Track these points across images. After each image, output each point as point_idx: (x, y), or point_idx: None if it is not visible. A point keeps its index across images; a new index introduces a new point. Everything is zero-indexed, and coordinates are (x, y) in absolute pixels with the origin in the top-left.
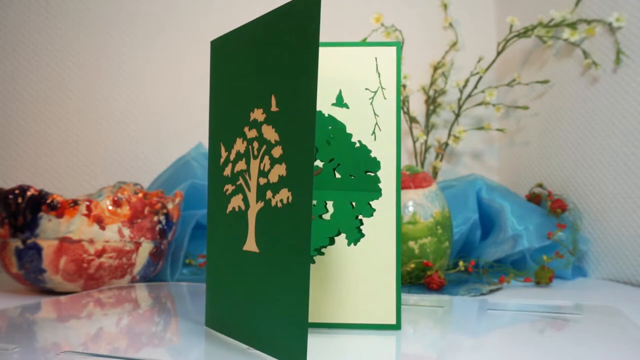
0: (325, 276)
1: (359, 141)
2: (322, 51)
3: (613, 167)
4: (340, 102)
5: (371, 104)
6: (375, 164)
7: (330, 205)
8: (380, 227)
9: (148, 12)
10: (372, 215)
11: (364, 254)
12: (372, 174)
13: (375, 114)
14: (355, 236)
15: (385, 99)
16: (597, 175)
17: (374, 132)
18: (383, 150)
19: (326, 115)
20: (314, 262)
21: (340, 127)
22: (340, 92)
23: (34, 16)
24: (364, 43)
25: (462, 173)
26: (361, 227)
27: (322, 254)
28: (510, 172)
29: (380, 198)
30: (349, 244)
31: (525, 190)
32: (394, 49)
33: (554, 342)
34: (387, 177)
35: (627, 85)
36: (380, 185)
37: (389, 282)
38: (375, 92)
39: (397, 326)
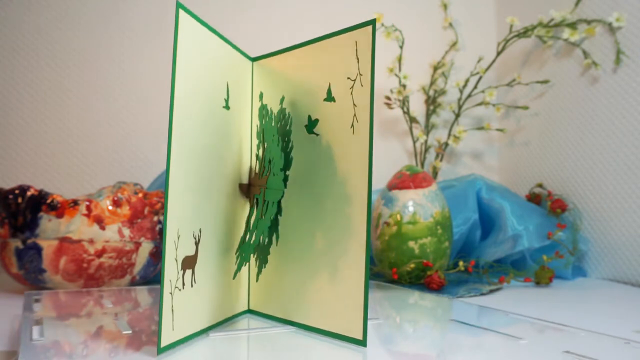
0: (299, 275)
1: (279, 138)
2: (308, 50)
3: (613, 167)
4: (329, 96)
5: (351, 93)
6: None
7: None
8: (351, 232)
9: (148, 12)
10: (275, 213)
11: (335, 258)
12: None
13: (354, 104)
14: (265, 236)
15: (362, 86)
16: (597, 175)
17: (352, 125)
18: (359, 145)
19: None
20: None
21: (267, 127)
22: (329, 86)
23: (34, 16)
24: (343, 30)
25: (462, 173)
26: (273, 227)
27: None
28: (510, 172)
29: (352, 201)
30: (255, 243)
31: (525, 190)
32: (369, 28)
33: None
34: (360, 179)
35: (627, 85)
36: (353, 187)
37: (358, 294)
38: (354, 80)
39: (363, 342)
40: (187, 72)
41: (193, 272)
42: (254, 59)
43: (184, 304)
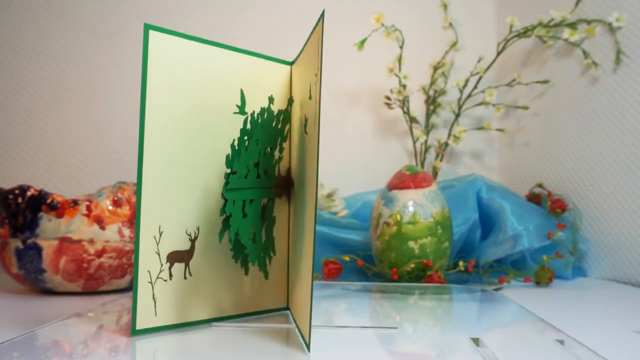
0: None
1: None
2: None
3: (613, 167)
4: (310, 96)
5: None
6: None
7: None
8: (305, 233)
9: (148, 12)
10: (222, 214)
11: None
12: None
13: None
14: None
15: (316, 84)
16: (597, 175)
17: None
18: (312, 145)
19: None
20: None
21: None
22: (310, 85)
23: (34, 16)
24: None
25: (462, 173)
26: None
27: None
28: (510, 172)
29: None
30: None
31: (525, 190)
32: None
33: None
34: (312, 180)
35: (627, 85)
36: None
37: (305, 302)
38: (317, 76)
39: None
40: (160, 86)
41: (187, 266)
42: (291, 63)
43: (172, 294)
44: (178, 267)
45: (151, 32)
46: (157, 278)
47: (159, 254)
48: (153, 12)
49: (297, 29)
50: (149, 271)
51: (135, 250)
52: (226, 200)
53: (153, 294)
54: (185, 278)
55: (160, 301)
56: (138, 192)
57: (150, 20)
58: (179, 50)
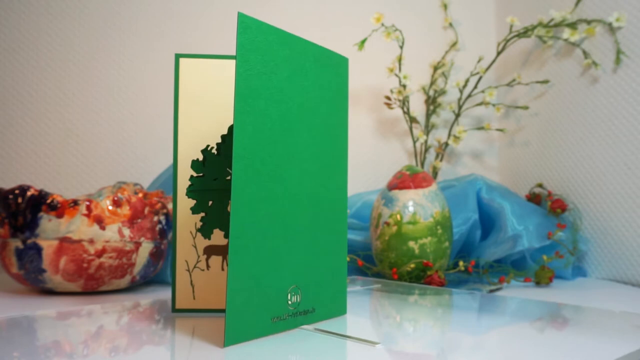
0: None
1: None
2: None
3: (613, 167)
4: None
5: None
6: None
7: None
8: None
9: (148, 12)
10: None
11: None
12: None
13: None
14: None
15: None
16: (597, 175)
17: None
18: None
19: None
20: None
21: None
22: None
23: (34, 16)
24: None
25: (462, 173)
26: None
27: None
28: (510, 172)
29: None
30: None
31: (525, 190)
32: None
33: (554, 342)
34: None
35: (627, 85)
36: None
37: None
38: None
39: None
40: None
41: (224, 259)
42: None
43: (211, 282)
44: (216, 259)
45: (181, 60)
46: (195, 267)
47: (195, 247)
48: (154, 13)
49: (298, 33)
50: (186, 261)
51: (173, 242)
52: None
53: (191, 281)
54: (222, 269)
55: (198, 287)
56: (174, 199)
57: (150, 20)
58: (205, 71)
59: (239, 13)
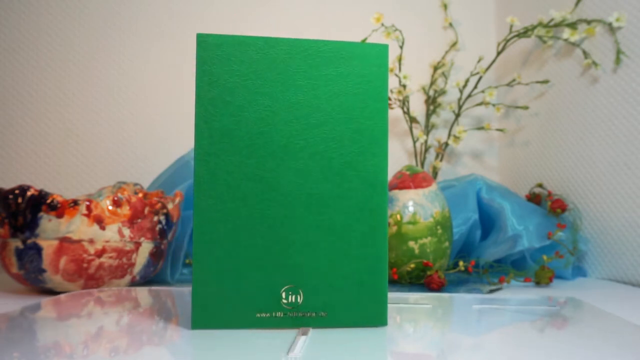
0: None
1: None
2: None
3: (613, 167)
4: None
5: None
6: None
7: None
8: None
9: (148, 12)
10: None
11: None
12: None
13: None
14: None
15: None
16: (597, 175)
17: None
18: None
19: None
20: None
21: None
22: None
23: (34, 16)
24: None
25: (462, 173)
26: None
27: None
28: (510, 172)
29: None
30: None
31: (525, 190)
32: None
33: (555, 341)
34: None
35: (627, 85)
36: None
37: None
38: None
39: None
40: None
41: None
42: None
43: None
44: None
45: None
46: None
47: None
48: (154, 13)
49: (298, 33)
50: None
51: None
52: None
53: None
54: None
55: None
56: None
57: (150, 20)
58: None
59: (197, 34)
